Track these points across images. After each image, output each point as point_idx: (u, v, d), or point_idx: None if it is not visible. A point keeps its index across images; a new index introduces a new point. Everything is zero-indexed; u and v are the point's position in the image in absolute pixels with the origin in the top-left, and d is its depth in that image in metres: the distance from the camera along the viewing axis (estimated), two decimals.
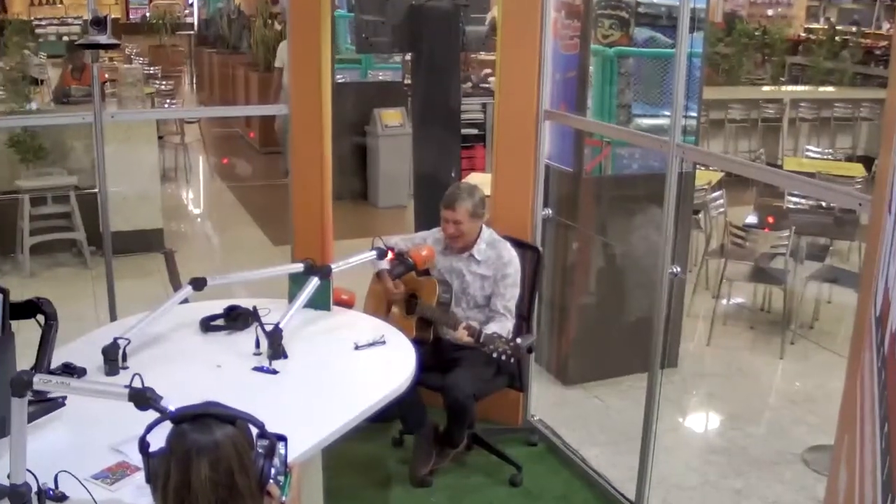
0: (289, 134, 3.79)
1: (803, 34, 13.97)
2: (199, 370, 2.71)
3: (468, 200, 3.37)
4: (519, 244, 3.61)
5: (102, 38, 3.27)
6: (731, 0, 14.59)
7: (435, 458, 3.50)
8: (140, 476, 1.85)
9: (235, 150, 10.58)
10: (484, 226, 3.50)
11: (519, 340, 3.07)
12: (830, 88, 10.52)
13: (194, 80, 14.43)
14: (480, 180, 5.83)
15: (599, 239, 4.46)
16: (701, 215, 5.97)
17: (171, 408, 1.85)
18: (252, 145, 10.63)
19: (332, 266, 3.08)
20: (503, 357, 3.01)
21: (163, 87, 9.66)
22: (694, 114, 4.40)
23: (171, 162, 8.76)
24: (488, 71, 8.91)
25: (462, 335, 3.17)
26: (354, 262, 3.18)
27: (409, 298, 3.52)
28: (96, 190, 5.52)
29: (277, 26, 10.38)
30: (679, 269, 3.05)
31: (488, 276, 3.43)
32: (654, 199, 4.07)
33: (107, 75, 7.41)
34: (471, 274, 3.45)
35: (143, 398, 1.94)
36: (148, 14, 17.46)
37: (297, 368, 2.73)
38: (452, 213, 3.38)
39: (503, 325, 3.32)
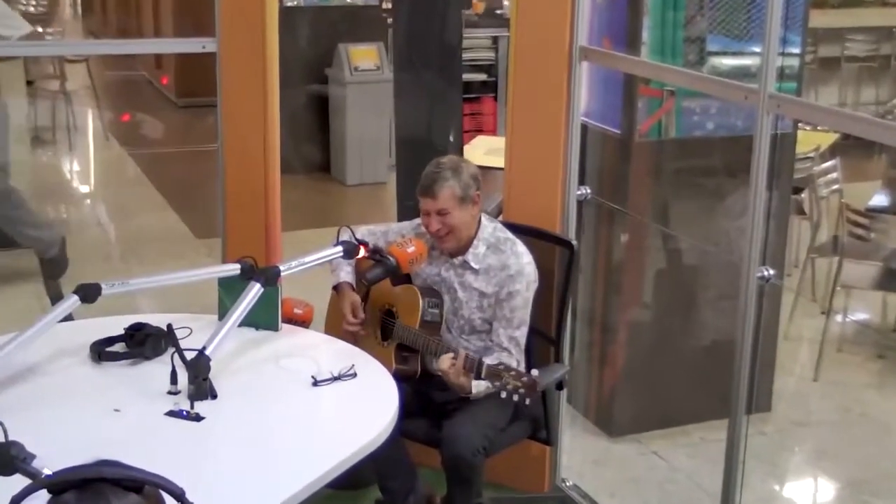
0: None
1: None
2: (89, 416, 2.71)
3: (453, 180, 3.34)
4: (544, 237, 3.63)
5: None
6: None
7: None
8: None
9: (141, 103, 10.56)
10: (485, 218, 3.49)
11: (536, 373, 3.07)
12: None
13: (79, 0, 14.42)
14: (490, 146, 5.87)
15: (658, 229, 4.48)
16: (805, 195, 5.98)
17: (48, 471, 1.86)
18: (165, 95, 10.61)
19: (281, 268, 3.09)
20: (514, 397, 3.02)
21: (32, 8, 9.62)
22: (796, 50, 4.41)
23: (47, 118, 8.74)
24: None
25: (444, 366, 3.16)
26: (312, 263, 3.19)
27: (384, 317, 3.54)
28: None
29: None
30: (773, 273, 3.06)
31: (488, 293, 3.42)
32: (736, 173, 4.08)
33: None
34: (465, 289, 3.45)
35: (6, 458, 1.95)
36: None
37: (231, 413, 2.74)
38: (433, 201, 3.34)
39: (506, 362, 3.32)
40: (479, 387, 3.19)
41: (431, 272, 3.50)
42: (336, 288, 3.54)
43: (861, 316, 5.65)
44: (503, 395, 3.02)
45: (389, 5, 7.66)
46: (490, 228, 3.47)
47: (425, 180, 3.37)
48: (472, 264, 3.42)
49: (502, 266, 3.40)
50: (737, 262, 3.15)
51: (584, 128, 3.92)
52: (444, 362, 3.19)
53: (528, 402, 3.04)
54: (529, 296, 3.41)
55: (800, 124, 4.87)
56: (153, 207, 7.40)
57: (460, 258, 3.44)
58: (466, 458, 3.24)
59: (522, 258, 3.41)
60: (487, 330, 3.45)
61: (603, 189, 4.35)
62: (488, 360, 3.13)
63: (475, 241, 3.43)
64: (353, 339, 3.41)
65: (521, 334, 3.41)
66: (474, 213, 3.42)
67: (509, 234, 3.48)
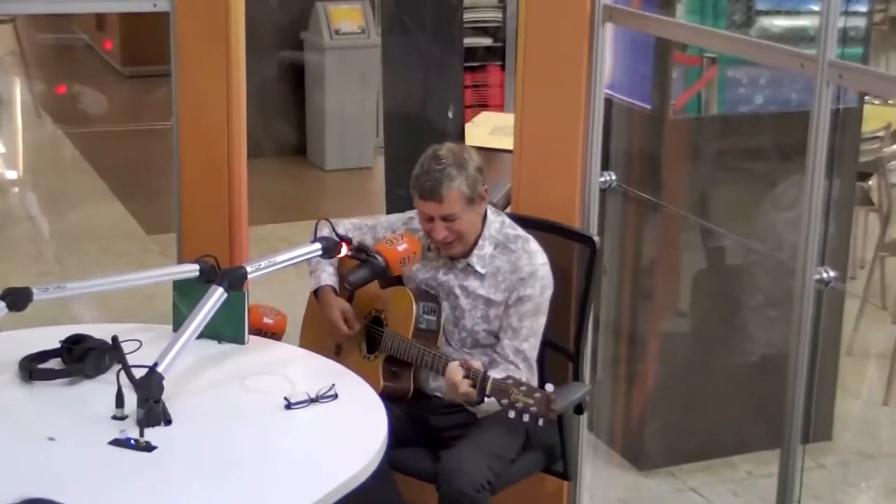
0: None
1: None
2: (17, 445, 2.70)
3: (460, 177, 3.30)
4: (561, 232, 3.63)
5: None
6: None
7: None
8: None
9: (80, 72, 10.54)
10: (490, 211, 3.48)
11: (551, 388, 3.06)
12: None
13: None
14: (496, 124, 5.86)
15: (696, 223, 4.48)
16: (872, 182, 5.98)
17: None
18: (108, 63, 10.61)
19: (248, 269, 3.09)
20: (524, 417, 3.01)
21: None
22: (862, 7, 4.41)
23: None
24: None
25: (457, 378, 3.15)
26: (285, 264, 3.19)
27: (370, 325, 3.54)
28: None
29: None
30: (834, 275, 3.07)
31: (496, 301, 3.42)
32: (790, 155, 4.08)
33: None
34: (468, 295, 3.45)
35: None
36: None
37: (188, 442, 2.74)
38: (439, 205, 3.31)
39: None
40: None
41: (426, 276, 3.50)
42: (317, 293, 3.54)
43: None
44: (512, 413, 3.01)
45: None
46: (497, 224, 3.46)
47: (426, 180, 3.32)
48: (477, 268, 3.42)
49: (513, 268, 3.40)
50: (790, 263, 3.14)
51: (609, 102, 3.93)
52: (456, 373, 3.15)
53: (540, 422, 3.03)
54: (543, 302, 3.41)
55: (867, 97, 4.87)
56: (94, 197, 7.40)
57: (463, 262, 3.44)
58: (469, 494, 3.24)
59: (536, 258, 3.41)
60: (493, 344, 3.46)
61: (630, 175, 4.36)
62: (494, 374, 3.13)
63: (480, 241, 3.43)
64: (336, 353, 3.41)
65: (530, 346, 3.41)
66: (481, 211, 3.42)
67: (520, 231, 3.48)
